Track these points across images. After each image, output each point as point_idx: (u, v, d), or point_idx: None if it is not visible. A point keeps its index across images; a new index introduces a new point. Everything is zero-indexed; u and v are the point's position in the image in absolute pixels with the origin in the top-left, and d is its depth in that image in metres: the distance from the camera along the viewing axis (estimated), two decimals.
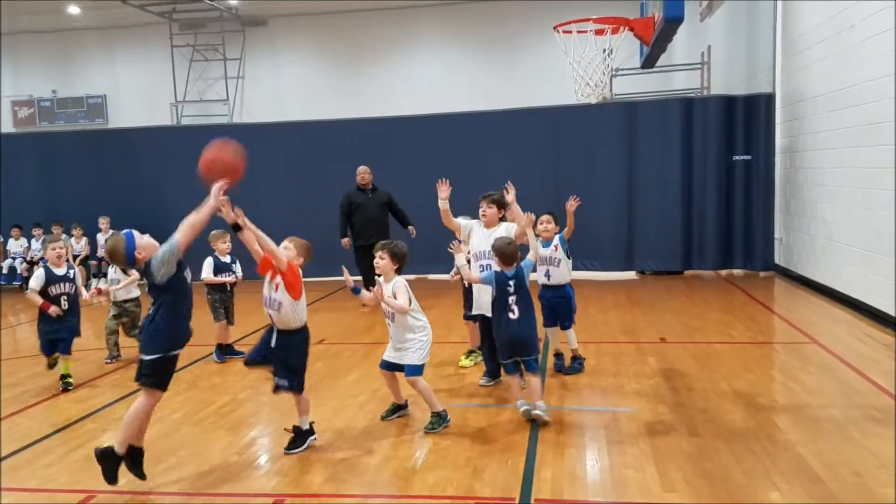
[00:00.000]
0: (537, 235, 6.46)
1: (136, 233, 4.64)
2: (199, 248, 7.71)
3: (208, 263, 8.02)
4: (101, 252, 13.88)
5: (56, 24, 17.94)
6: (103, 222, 13.92)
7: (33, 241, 14.13)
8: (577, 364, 6.86)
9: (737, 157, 12.64)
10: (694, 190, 12.79)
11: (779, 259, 12.64)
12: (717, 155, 12.66)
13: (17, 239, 14.15)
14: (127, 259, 4.59)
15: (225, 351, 8.01)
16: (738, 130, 12.62)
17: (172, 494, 4.56)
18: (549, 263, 6.76)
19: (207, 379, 7.17)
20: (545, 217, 6.80)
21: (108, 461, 4.58)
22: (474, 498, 4.33)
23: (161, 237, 4.83)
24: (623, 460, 4.79)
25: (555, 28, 9.34)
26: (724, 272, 12.93)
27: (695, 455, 4.83)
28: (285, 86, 17.58)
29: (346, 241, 11.01)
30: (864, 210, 8.94)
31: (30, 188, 14.51)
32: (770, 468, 4.57)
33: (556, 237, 6.79)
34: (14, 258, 14.11)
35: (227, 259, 8.08)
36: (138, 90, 18.25)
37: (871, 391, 6.08)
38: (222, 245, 8.00)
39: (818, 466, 4.56)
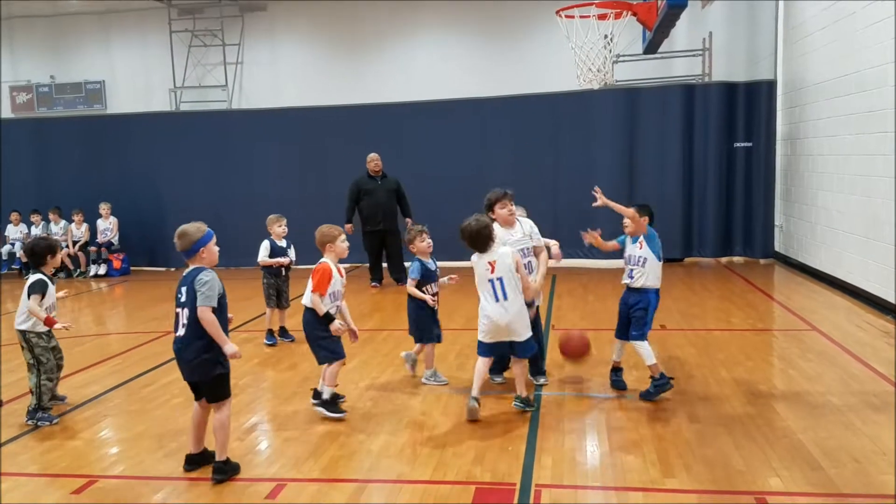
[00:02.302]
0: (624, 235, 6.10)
1: (215, 237, 4.59)
2: (255, 232, 7.67)
3: (265, 246, 7.98)
4: (100, 238, 13.88)
5: (54, 9, 17.82)
6: (104, 208, 13.91)
7: (32, 227, 14.11)
8: (656, 385, 5.70)
9: (737, 144, 12.62)
10: (694, 177, 12.77)
11: (779, 246, 12.63)
12: (718, 142, 12.64)
13: (16, 225, 14.12)
14: (192, 248, 4.48)
15: (280, 334, 8.09)
16: (739, 117, 12.60)
17: (174, 479, 4.56)
18: (633, 263, 5.91)
19: None
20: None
21: (227, 469, 4.56)
22: (475, 483, 4.34)
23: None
24: (623, 446, 4.80)
25: (557, 13, 9.28)
26: (723, 259, 12.93)
27: (694, 441, 4.84)
28: (284, 71, 17.48)
29: (349, 226, 11.00)
30: (865, 197, 8.93)
31: (28, 174, 14.48)
32: (770, 455, 4.58)
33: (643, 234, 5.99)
34: (13, 244, 14.09)
35: (283, 243, 8.04)
36: (137, 76, 18.14)
37: (870, 378, 6.09)
38: (278, 229, 7.98)
39: (817, 453, 4.58)
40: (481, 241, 5.34)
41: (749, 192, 12.63)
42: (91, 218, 13.99)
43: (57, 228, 14.03)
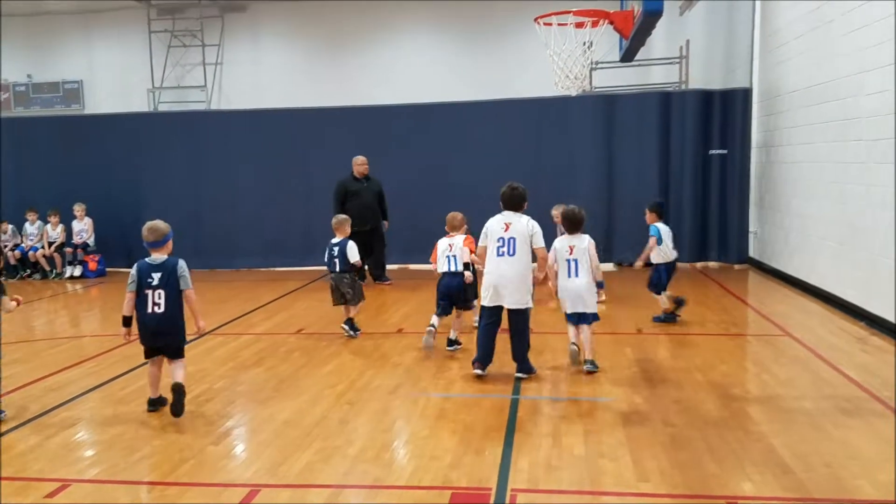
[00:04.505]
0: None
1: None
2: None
3: (356, 247, 8.11)
4: (76, 239, 13.74)
5: (33, 8, 17.67)
6: (78, 209, 13.77)
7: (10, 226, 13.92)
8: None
9: (713, 152, 12.74)
10: (671, 183, 12.88)
11: (753, 252, 12.77)
12: (694, 149, 12.76)
13: None
14: (163, 239, 5.60)
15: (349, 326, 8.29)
16: (715, 125, 12.72)
17: (147, 484, 4.54)
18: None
19: None
20: None
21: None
22: (451, 488, 4.36)
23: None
24: (599, 450, 4.84)
25: (535, 20, 9.35)
26: (699, 264, 13.04)
27: (669, 445, 4.89)
28: (264, 73, 17.45)
29: None
30: (839, 204, 9.05)
31: (3, 174, 14.29)
32: (743, 458, 4.64)
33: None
34: None
35: None
36: (115, 76, 18.03)
37: (842, 383, 6.18)
38: (351, 229, 8.25)
39: (789, 457, 4.64)
40: (577, 223, 6.66)
41: (724, 198, 12.76)
42: (68, 219, 13.85)
43: (33, 229, 13.88)
